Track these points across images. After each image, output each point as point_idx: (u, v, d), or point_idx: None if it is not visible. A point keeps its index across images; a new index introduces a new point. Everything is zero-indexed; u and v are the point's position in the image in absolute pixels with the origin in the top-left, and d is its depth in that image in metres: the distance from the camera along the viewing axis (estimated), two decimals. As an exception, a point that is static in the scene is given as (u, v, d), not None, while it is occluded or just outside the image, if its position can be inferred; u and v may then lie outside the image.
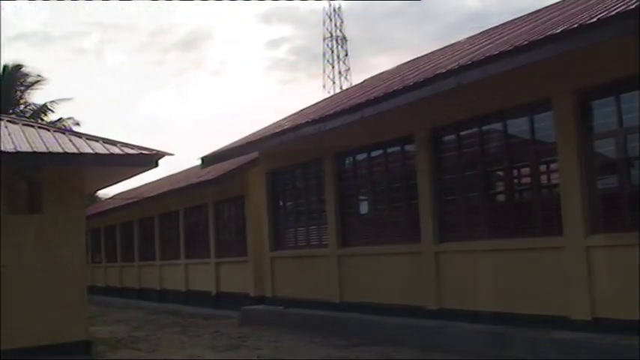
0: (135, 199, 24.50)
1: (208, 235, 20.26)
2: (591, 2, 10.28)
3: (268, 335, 12.81)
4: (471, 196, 10.83)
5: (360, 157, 13.35)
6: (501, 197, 10.65)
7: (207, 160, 16.20)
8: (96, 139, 11.90)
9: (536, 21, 11.40)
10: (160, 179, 27.68)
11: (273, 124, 16.21)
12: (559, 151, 9.21)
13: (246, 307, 15.92)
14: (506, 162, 10.34)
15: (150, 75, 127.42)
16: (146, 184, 27.78)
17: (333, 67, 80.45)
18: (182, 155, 20.03)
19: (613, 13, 7.39)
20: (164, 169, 31.06)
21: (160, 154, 11.61)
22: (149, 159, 11.60)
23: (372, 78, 17.85)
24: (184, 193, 20.29)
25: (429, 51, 16.75)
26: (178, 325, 15.86)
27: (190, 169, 23.68)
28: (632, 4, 7.27)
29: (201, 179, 18.75)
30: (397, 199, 12.37)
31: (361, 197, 13.54)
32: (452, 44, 15.64)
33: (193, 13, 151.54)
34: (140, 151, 11.55)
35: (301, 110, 17.11)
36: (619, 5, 7.80)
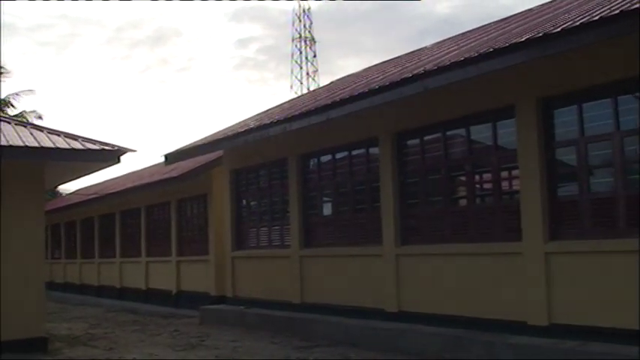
0: (96, 195, 24.20)
1: (170, 233, 20.10)
2: (557, 12, 10.44)
3: (228, 335, 12.75)
4: (434, 200, 10.90)
5: (325, 158, 13.36)
6: (463, 202, 10.73)
7: (170, 158, 16.08)
8: (57, 133, 11.74)
9: (503, 28, 11.54)
10: (124, 175, 27.44)
11: (239, 122, 16.15)
12: (520, 157, 9.32)
13: (207, 306, 15.84)
14: (469, 167, 10.43)
15: (116, 70, 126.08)
16: (110, 180, 27.49)
17: (301, 68, 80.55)
18: (146, 152, 19.90)
19: (577, 23, 7.50)
20: (131, 165, 30.74)
21: (123, 150, 11.49)
22: (111, 155, 11.48)
23: (339, 80, 17.90)
24: (147, 190, 20.12)
25: (397, 55, 16.87)
26: (137, 324, 15.70)
27: (154, 166, 23.49)
28: (596, 16, 7.39)
29: (165, 176, 18.60)
30: (360, 201, 12.40)
31: (325, 199, 13.55)
32: (419, 49, 15.76)
33: (162, 9, 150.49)
34: (102, 147, 11.42)
35: (267, 110, 17.08)
36: (583, 16, 7.93)
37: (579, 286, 8.50)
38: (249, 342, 11.86)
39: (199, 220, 18.86)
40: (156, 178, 19.73)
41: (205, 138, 15.84)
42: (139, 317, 17.23)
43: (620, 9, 7.06)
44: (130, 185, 21.74)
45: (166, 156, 16.06)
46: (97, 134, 13.13)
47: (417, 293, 10.82)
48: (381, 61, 17.58)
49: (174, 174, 17.89)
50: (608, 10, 7.42)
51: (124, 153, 11.48)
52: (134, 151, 11.65)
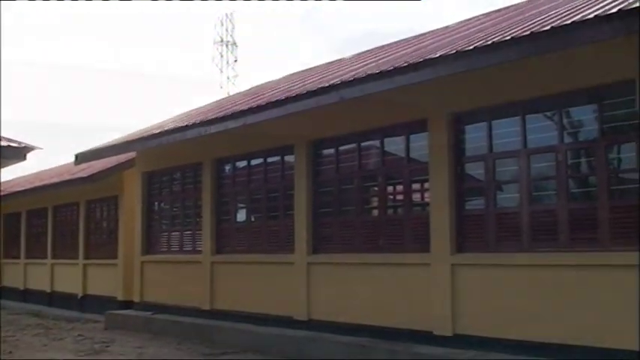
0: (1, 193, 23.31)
1: (78, 235, 19.56)
2: (472, 30, 10.74)
3: (133, 341, 12.48)
4: (346, 209, 11.00)
5: (240, 164, 13.29)
6: (375, 212, 10.87)
7: (80, 157, 15.63)
8: (-41, 127, 11.24)
9: (420, 43, 11.78)
10: (32, 174, 26.55)
11: (155, 124, 15.87)
12: (431, 171, 9.51)
13: (113, 311, 15.47)
14: (382, 178, 10.58)
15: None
16: (20, 178, 26.51)
17: (221, 71, 79.88)
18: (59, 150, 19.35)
19: (489, 42, 7.71)
20: (44, 163, 29.78)
21: (29, 148, 11.12)
22: (17, 152, 11.08)
23: (258, 86, 17.85)
24: (53, 190, 19.54)
25: (318, 64, 16.97)
26: (40, 327, 15.16)
27: (64, 166, 22.85)
28: (508, 35, 7.62)
29: (74, 176, 18.10)
30: (274, 208, 12.39)
31: (239, 205, 13.46)
32: (339, 59, 15.90)
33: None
34: (8, 144, 11.02)
35: (185, 112, 16.88)
36: (497, 34, 8.17)
37: (483, 297, 8.73)
38: (154, 348, 11.64)
39: (109, 222, 18.44)
40: (65, 177, 19.18)
41: (118, 139, 15.50)
42: (43, 321, 16.66)
43: (531, 30, 7.31)
44: (37, 184, 21.06)
45: (77, 155, 15.62)
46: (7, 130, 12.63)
47: (327, 302, 10.87)
48: (301, 69, 17.66)
49: (83, 174, 17.42)
50: (521, 30, 7.66)
51: (31, 150, 11.11)
52: (41, 148, 11.29)
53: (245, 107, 11.46)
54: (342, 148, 11.13)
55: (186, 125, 12.54)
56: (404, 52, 11.15)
